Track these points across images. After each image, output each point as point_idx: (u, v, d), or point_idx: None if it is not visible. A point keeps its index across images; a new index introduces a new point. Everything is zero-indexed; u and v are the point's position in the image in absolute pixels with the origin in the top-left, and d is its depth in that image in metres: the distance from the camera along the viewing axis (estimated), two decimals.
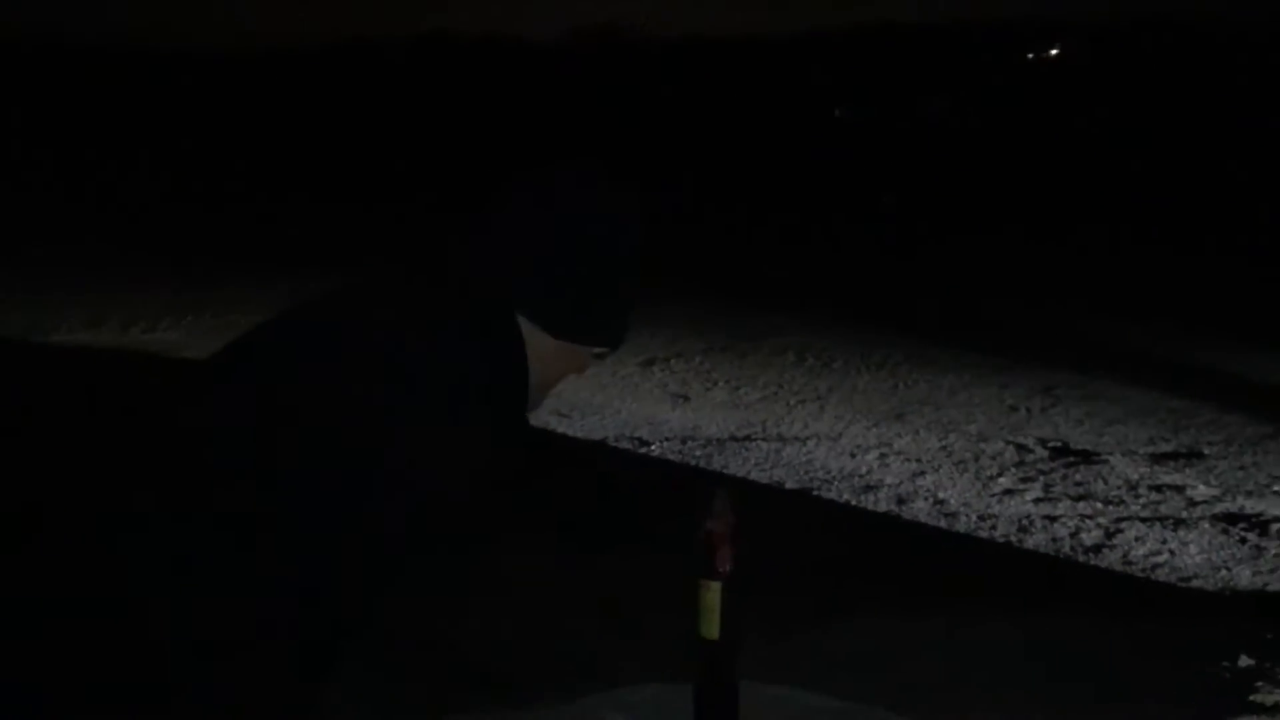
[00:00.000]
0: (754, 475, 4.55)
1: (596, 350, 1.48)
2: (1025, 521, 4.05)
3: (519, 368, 1.40)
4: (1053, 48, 41.09)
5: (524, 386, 1.41)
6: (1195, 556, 3.74)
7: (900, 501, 4.26)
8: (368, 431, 1.28)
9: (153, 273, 8.82)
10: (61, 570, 1.30)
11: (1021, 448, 4.91)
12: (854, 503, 4.26)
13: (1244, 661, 2.75)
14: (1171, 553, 3.78)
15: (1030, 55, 40.40)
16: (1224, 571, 3.64)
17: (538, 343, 1.41)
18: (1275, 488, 4.40)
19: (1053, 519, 4.07)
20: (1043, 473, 4.59)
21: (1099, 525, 4.01)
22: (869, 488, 4.41)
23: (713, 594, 1.60)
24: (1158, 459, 4.75)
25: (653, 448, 4.87)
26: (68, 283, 8.41)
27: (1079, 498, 4.30)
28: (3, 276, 8.63)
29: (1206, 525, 4.01)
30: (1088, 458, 4.77)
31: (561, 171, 1.49)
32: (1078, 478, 4.53)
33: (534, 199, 1.45)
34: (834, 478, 4.52)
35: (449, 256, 1.44)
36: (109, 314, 7.44)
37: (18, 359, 6.18)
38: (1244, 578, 3.60)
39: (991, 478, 4.53)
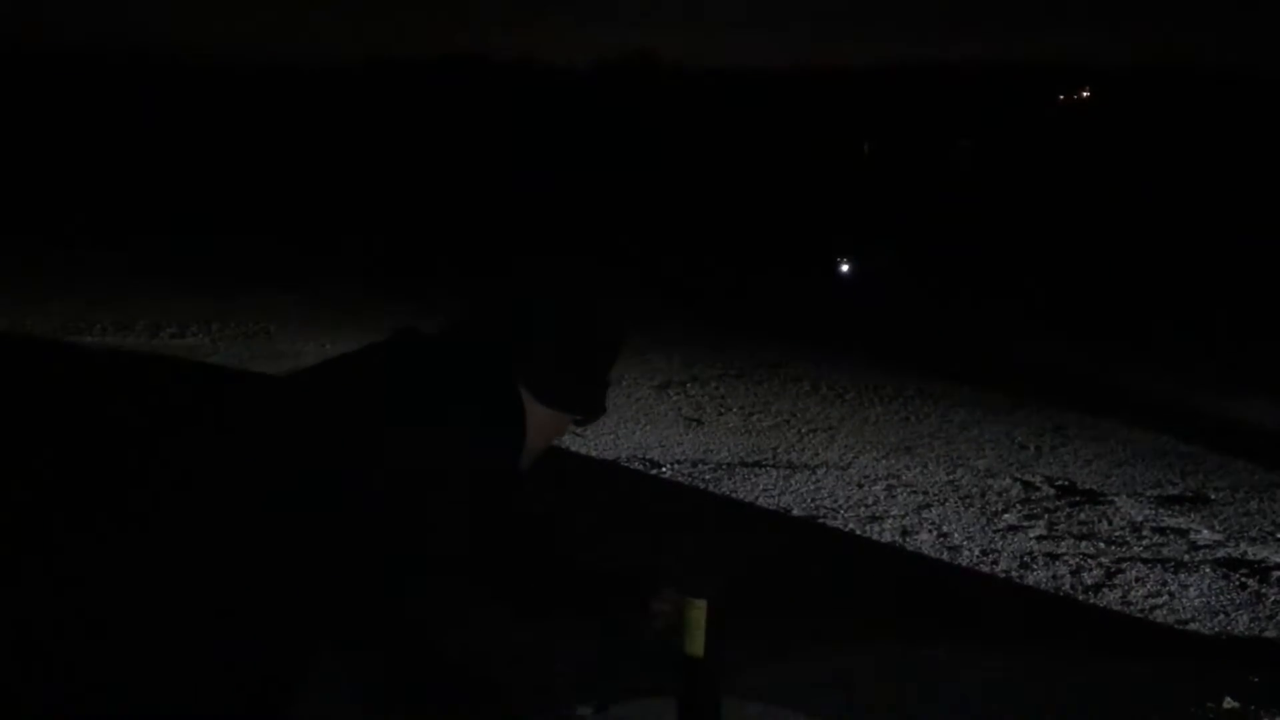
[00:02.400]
0: (761, 501, 4.61)
1: (577, 418, 1.70)
2: (1027, 558, 4.09)
3: (517, 429, 1.60)
4: (1084, 89, 41.11)
5: (520, 445, 1.62)
6: (1194, 600, 3.78)
7: (905, 533, 4.31)
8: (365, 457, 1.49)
9: (181, 282, 8.99)
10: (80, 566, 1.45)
11: (1028, 485, 4.95)
12: (859, 532, 4.31)
13: (1228, 704, 2.79)
14: (1171, 595, 3.81)
15: (1061, 96, 40.45)
16: (1221, 616, 3.67)
17: (531, 409, 1.61)
18: (1279, 535, 4.43)
19: (1054, 557, 4.11)
20: (1048, 510, 4.63)
21: (1100, 565, 4.05)
22: (875, 518, 4.46)
23: (698, 612, 1.67)
24: (1163, 501, 4.79)
25: (664, 470, 4.94)
26: (98, 287, 8.58)
27: (1082, 537, 4.34)
28: (38, 278, 8.82)
29: (1208, 569, 4.04)
30: (1093, 498, 4.81)
31: (559, 262, 1.74)
32: (1082, 517, 4.56)
33: (535, 286, 1.68)
34: (840, 506, 4.57)
35: (467, 324, 1.65)
36: (139, 318, 7.59)
37: (51, 358, 6.33)
38: (1241, 623, 3.63)
39: (997, 513, 4.57)
